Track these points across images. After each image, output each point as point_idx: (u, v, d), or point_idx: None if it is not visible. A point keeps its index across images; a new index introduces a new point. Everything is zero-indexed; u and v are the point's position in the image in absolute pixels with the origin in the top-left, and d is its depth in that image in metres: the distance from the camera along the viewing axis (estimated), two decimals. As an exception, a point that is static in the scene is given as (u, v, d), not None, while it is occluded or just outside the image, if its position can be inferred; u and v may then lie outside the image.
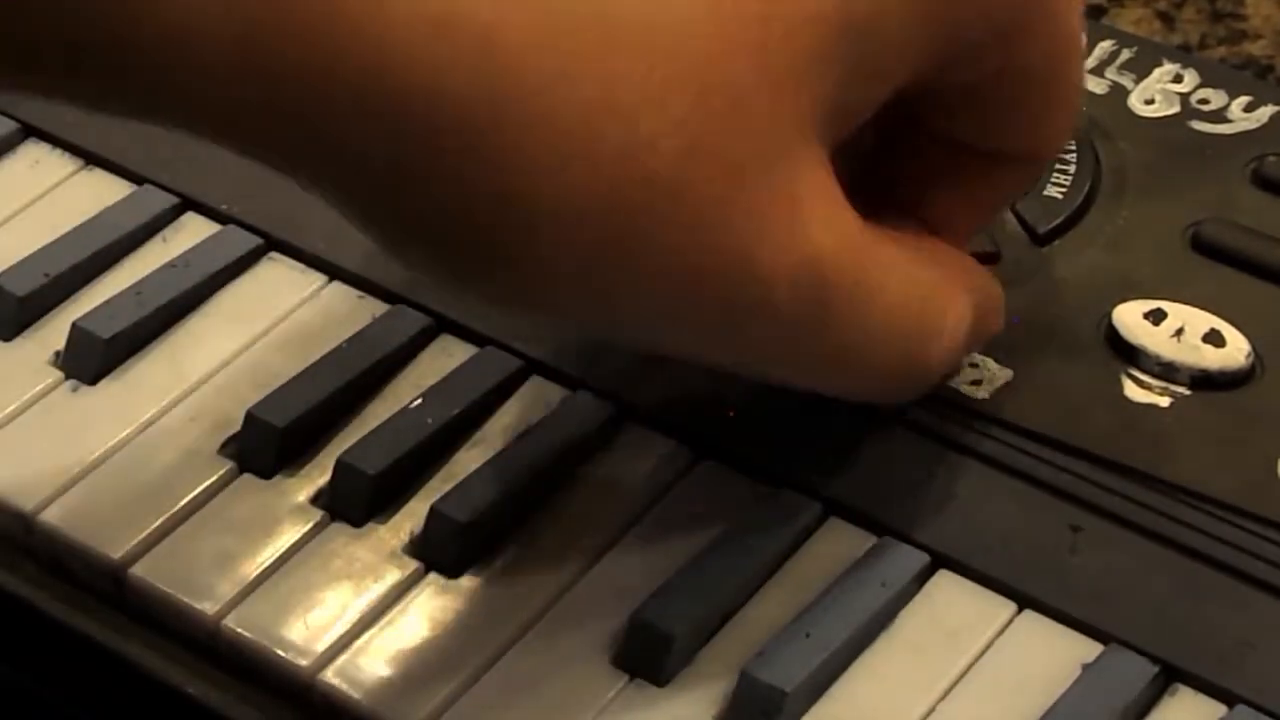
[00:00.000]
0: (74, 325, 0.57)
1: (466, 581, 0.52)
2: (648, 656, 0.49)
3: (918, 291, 0.48)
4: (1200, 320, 0.56)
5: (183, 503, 0.54)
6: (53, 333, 0.58)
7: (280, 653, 0.50)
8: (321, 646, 0.50)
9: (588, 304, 0.44)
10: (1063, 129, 0.51)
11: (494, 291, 0.45)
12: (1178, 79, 0.63)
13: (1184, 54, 0.67)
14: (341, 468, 0.53)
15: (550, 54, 0.40)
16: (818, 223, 0.45)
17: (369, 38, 0.40)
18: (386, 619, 0.51)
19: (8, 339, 0.58)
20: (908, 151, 0.51)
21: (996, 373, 0.55)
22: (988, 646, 0.50)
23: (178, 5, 0.39)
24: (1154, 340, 0.55)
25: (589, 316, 0.46)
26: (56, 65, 0.41)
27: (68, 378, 0.57)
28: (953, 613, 0.51)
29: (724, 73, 0.42)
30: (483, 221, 0.42)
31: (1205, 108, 0.62)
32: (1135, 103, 0.63)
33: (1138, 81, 0.63)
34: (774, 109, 0.43)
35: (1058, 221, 0.59)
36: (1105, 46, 0.64)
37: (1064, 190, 0.59)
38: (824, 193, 0.45)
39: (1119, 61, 0.64)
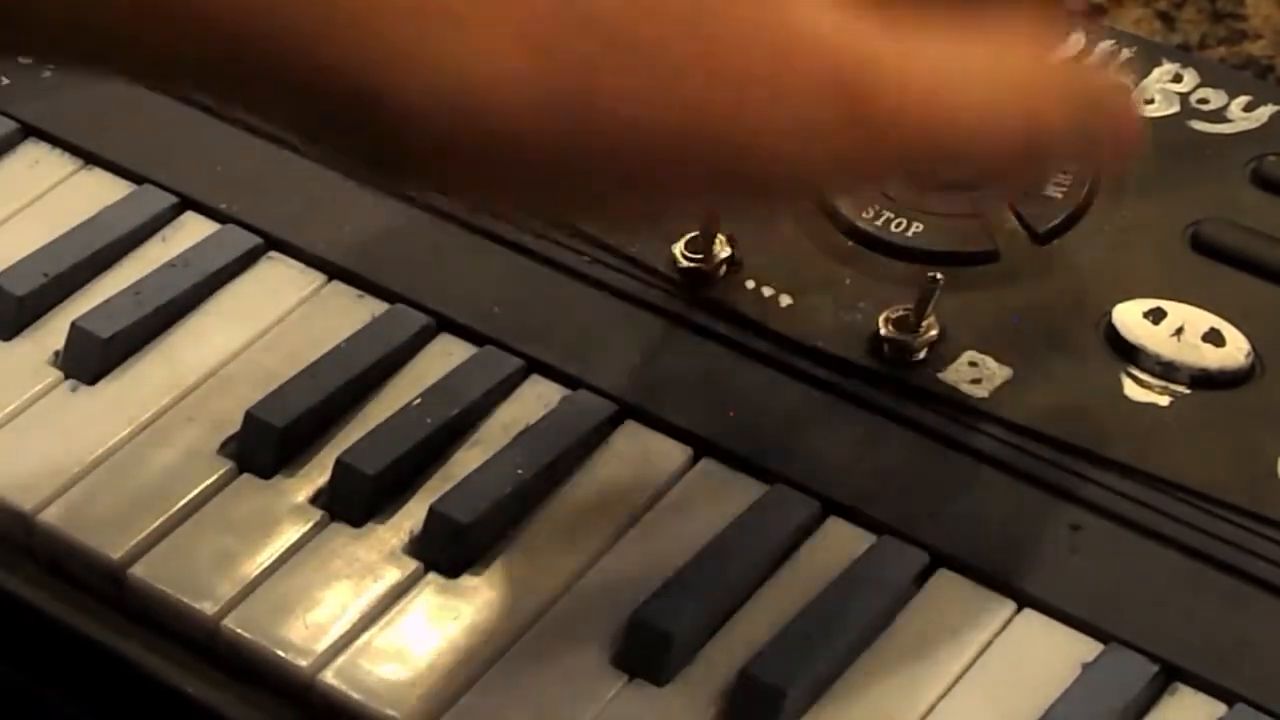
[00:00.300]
0: (73, 325, 0.57)
1: (466, 581, 0.52)
2: (648, 656, 0.49)
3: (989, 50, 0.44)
4: (1200, 319, 0.56)
5: (182, 503, 0.54)
6: (52, 332, 0.58)
7: (280, 653, 0.50)
8: (321, 646, 0.50)
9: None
10: None
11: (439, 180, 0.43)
12: (1177, 79, 0.63)
13: (1183, 54, 0.67)
14: (341, 467, 0.53)
15: None
16: (832, 19, 0.42)
17: None
18: (386, 619, 0.51)
19: (7, 339, 0.58)
20: None
21: (996, 371, 0.55)
22: (987, 646, 0.50)
23: None
24: (1154, 339, 0.55)
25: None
26: None
27: (67, 378, 0.57)
28: (952, 612, 0.51)
29: None
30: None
31: (1205, 107, 0.62)
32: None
33: (1137, 81, 0.63)
34: None
35: (1057, 221, 0.59)
36: (1105, 46, 0.64)
37: (1064, 190, 0.59)
38: None
39: (1118, 61, 0.64)
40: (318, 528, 0.53)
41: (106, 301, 0.58)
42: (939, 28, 0.43)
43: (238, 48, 0.40)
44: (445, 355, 0.57)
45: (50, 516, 0.54)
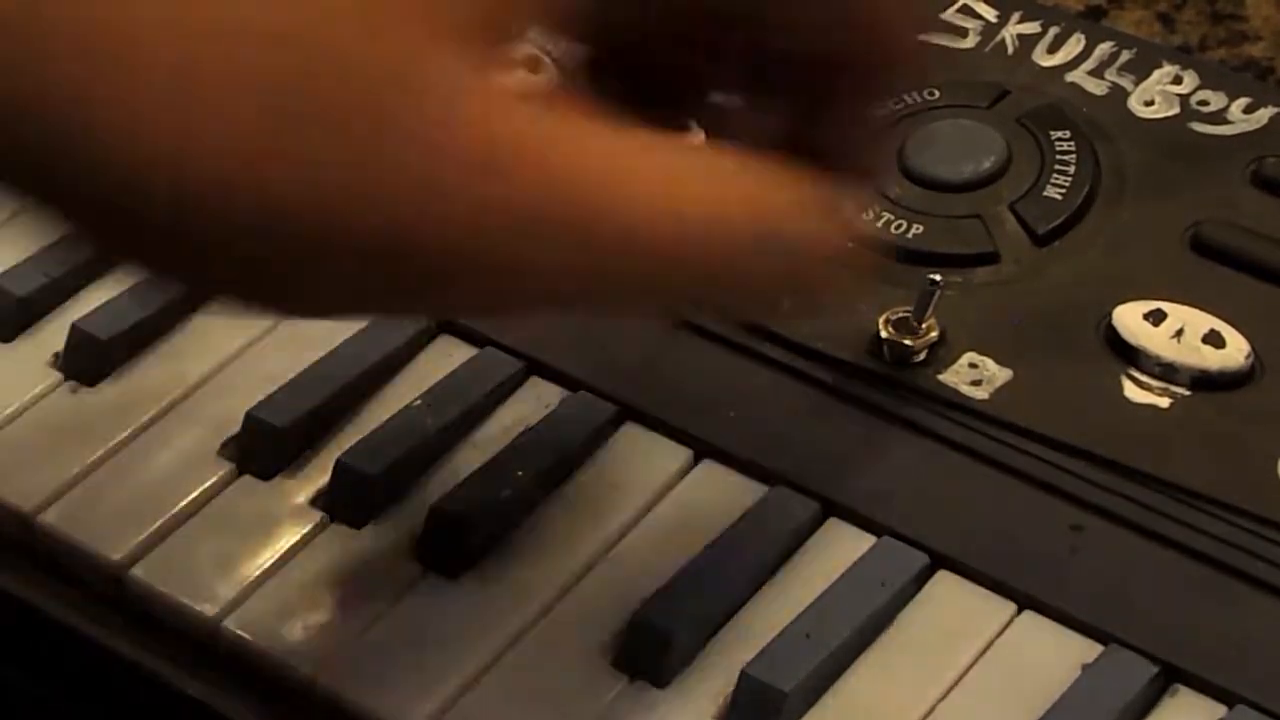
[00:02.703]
0: (74, 326, 0.57)
1: (466, 583, 0.52)
2: (648, 657, 0.49)
3: (697, 177, 0.44)
4: (1200, 321, 0.56)
5: (182, 504, 0.54)
6: (53, 334, 0.58)
7: (280, 653, 0.50)
8: (321, 647, 0.50)
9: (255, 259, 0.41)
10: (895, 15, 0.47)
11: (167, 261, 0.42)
12: (1177, 80, 0.63)
13: (1183, 55, 0.67)
14: (341, 469, 0.53)
15: None
16: (493, 111, 0.42)
17: None
18: (387, 620, 0.51)
19: (8, 340, 0.58)
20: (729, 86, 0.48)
21: (996, 373, 0.55)
22: (988, 647, 0.50)
23: None
24: (1154, 341, 0.55)
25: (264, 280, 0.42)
26: None
27: (67, 379, 0.57)
28: (952, 613, 0.51)
29: None
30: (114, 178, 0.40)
31: (1205, 109, 0.62)
32: (1135, 104, 0.63)
33: (1137, 83, 0.63)
34: (395, 15, 0.41)
35: (1058, 222, 0.59)
36: (1105, 48, 0.64)
37: (1064, 191, 0.59)
38: (486, 87, 0.42)
39: (1119, 63, 0.64)
40: (318, 529, 0.53)
41: (106, 303, 0.58)
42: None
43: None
44: (445, 356, 0.57)
45: (50, 517, 0.54)
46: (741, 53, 0.47)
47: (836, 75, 0.46)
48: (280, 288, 0.43)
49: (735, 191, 0.45)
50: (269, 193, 0.41)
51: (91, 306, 0.58)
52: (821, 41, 0.46)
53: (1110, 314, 0.56)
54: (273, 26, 0.40)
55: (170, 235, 0.41)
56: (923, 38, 0.47)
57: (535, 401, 0.56)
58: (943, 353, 0.56)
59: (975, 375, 0.55)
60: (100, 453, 0.55)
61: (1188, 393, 0.55)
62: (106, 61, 0.40)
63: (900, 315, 0.56)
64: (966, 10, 0.66)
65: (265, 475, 0.54)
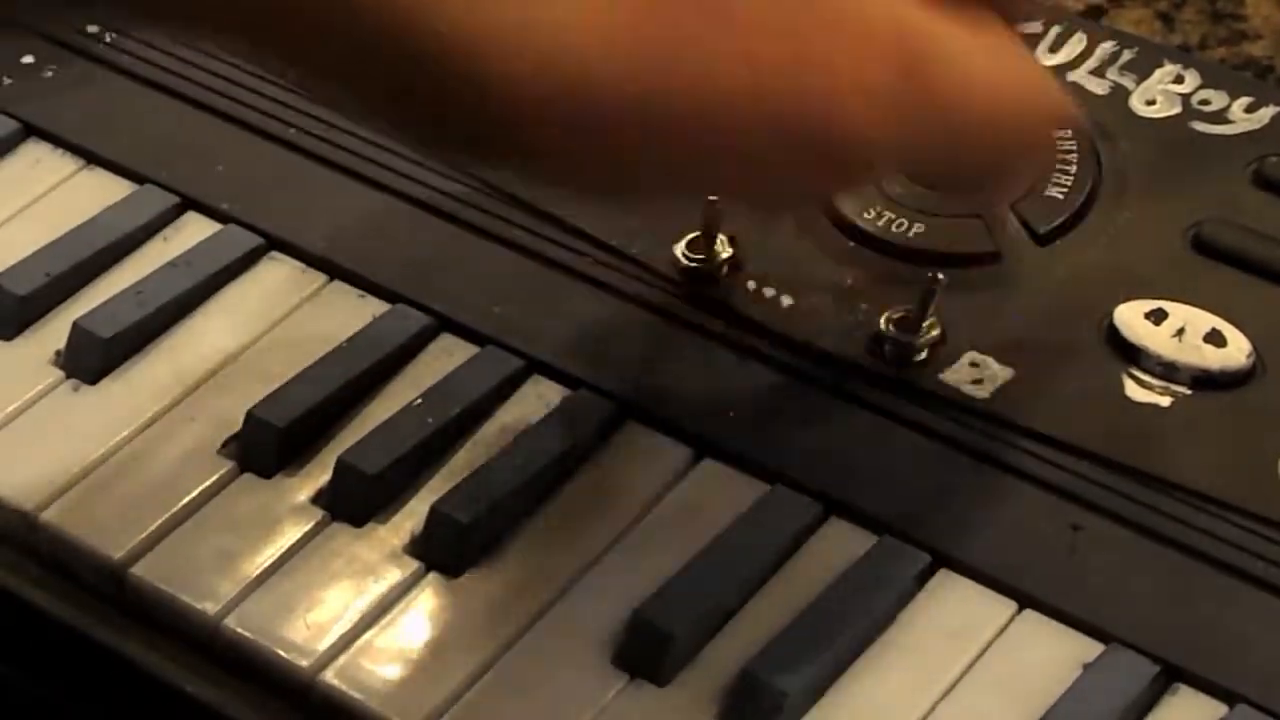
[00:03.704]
0: (75, 325, 0.57)
1: (467, 581, 0.52)
2: (648, 656, 0.49)
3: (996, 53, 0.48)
4: (1201, 320, 0.56)
5: (183, 502, 0.54)
6: (54, 332, 0.58)
7: (280, 652, 0.50)
8: (322, 646, 0.50)
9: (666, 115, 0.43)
10: None
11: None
12: (1179, 80, 0.63)
13: (1185, 55, 0.67)
14: (342, 467, 0.53)
15: None
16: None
17: None
18: (387, 619, 0.51)
19: (9, 338, 0.58)
20: None
21: (998, 372, 0.55)
22: (988, 646, 0.50)
23: None
24: (1155, 340, 0.55)
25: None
26: None
27: (69, 377, 0.57)
28: (953, 612, 0.51)
29: None
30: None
31: (1206, 108, 0.62)
32: (1136, 103, 0.63)
33: (1139, 82, 0.63)
34: None
35: (1059, 222, 0.59)
36: (1106, 47, 0.64)
37: (1065, 190, 0.59)
38: None
39: (1120, 62, 0.64)
40: (319, 527, 0.53)
41: (108, 301, 0.58)
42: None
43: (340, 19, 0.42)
44: (446, 355, 0.57)
45: (52, 516, 0.54)
46: None
47: None
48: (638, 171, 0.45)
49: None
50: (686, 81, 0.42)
51: (93, 305, 0.58)
52: None
53: (1111, 313, 0.56)
54: None
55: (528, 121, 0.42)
56: None
57: (536, 400, 0.56)
58: (944, 352, 0.55)
59: (976, 374, 0.55)
60: (101, 451, 0.55)
61: (1189, 392, 0.55)
62: None
63: (901, 314, 0.56)
64: (968, 9, 0.65)
65: (266, 474, 0.54)
